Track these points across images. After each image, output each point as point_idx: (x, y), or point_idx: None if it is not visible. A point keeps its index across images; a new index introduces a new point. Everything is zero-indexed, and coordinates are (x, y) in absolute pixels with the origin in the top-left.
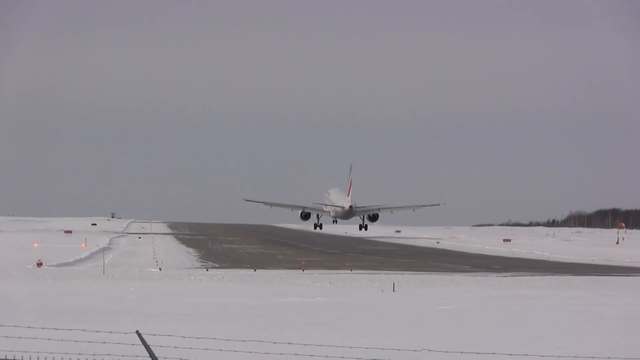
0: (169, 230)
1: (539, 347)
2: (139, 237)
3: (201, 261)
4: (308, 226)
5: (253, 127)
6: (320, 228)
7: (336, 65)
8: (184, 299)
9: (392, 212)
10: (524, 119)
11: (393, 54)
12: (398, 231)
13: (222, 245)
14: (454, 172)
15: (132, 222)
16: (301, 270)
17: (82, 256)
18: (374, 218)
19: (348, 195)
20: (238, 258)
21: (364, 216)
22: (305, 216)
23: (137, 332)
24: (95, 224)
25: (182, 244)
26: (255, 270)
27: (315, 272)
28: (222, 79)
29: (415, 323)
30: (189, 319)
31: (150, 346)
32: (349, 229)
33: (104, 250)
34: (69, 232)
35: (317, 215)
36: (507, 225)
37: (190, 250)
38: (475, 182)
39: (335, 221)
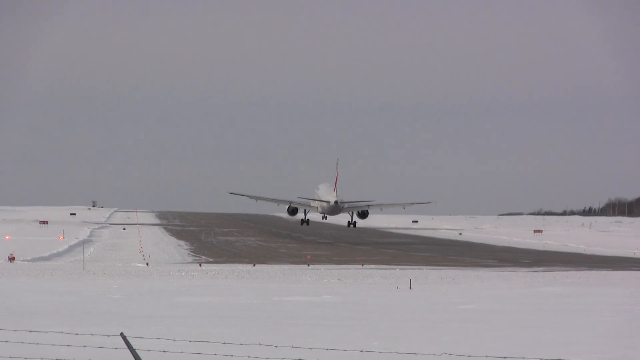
0: (157, 221)
1: (574, 351)
2: (124, 229)
3: (194, 255)
4: (313, 217)
5: (242, 117)
6: (308, 224)
7: (325, 57)
8: (174, 298)
9: (381, 209)
10: (556, 97)
11: (389, 41)
12: (415, 221)
13: (217, 237)
14: (477, 156)
15: (115, 211)
16: (306, 266)
17: (60, 250)
18: (363, 215)
19: (334, 190)
20: (235, 252)
21: (352, 212)
22: (292, 211)
23: (121, 334)
24: (74, 214)
25: (172, 235)
26: (254, 266)
27: (322, 267)
28: (212, 69)
29: (435, 324)
30: (179, 320)
31: (136, 350)
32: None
33: (84, 243)
34: (45, 222)
35: (305, 210)
36: (538, 214)
37: (182, 242)
38: (501, 166)
39: (324, 217)
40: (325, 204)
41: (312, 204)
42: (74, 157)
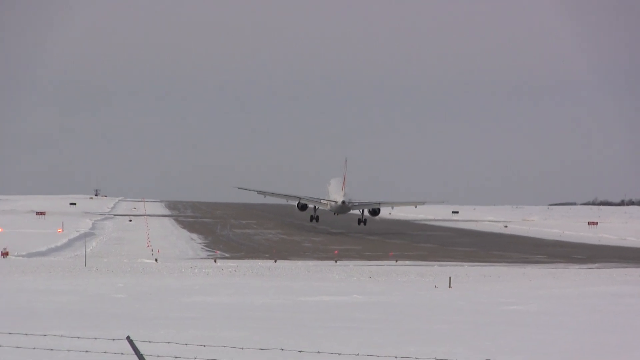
0: (166, 211)
1: (634, 357)
2: (130, 220)
3: (208, 250)
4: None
5: (253, 110)
6: (317, 220)
7: (335, 54)
8: (186, 298)
9: (392, 208)
10: (611, 77)
11: (398, 39)
12: (455, 212)
13: (234, 229)
14: (524, 140)
15: (120, 200)
16: (333, 262)
17: (59, 244)
18: (374, 212)
19: (342, 189)
20: (254, 246)
21: (363, 210)
22: (302, 207)
23: (127, 338)
24: (74, 204)
25: (184, 228)
26: (275, 262)
27: (351, 263)
28: (224, 61)
29: (477, 327)
30: (192, 322)
31: (144, 356)
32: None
33: (85, 236)
34: (42, 213)
35: (314, 207)
36: (593, 204)
37: (194, 236)
38: (551, 151)
39: (336, 213)
40: (333, 203)
41: (322, 201)
42: (74, 141)
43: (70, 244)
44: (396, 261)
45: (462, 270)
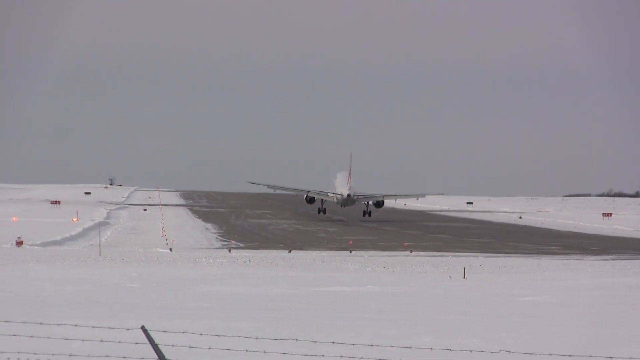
0: (181, 201)
1: None
2: (145, 210)
3: (222, 240)
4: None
5: (261, 104)
6: (324, 213)
7: (337, 54)
8: (201, 288)
9: (395, 200)
10: (623, 67)
11: (403, 36)
12: (470, 203)
13: (249, 219)
14: (538, 131)
15: (135, 190)
16: (348, 252)
17: (73, 233)
18: (378, 204)
19: (347, 183)
20: (269, 236)
21: (367, 202)
22: (310, 200)
23: (142, 328)
24: (89, 193)
25: (199, 218)
26: (290, 252)
27: (365, 254)
28: (234, 56)
29: (492, 318)
30: (206, 312)
31: (158, 345)
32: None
33: (100, 225)
34: (57, 202)
35: (322, 200)
36: (608, 195)
37: (209, 225)
38: (566, 143)
39: (342, 205)
40: (339, 196)
41: (329, 194)
42: (89, 130)
43: (84, 233)
44: (411, 252)
45: (477, 261)
